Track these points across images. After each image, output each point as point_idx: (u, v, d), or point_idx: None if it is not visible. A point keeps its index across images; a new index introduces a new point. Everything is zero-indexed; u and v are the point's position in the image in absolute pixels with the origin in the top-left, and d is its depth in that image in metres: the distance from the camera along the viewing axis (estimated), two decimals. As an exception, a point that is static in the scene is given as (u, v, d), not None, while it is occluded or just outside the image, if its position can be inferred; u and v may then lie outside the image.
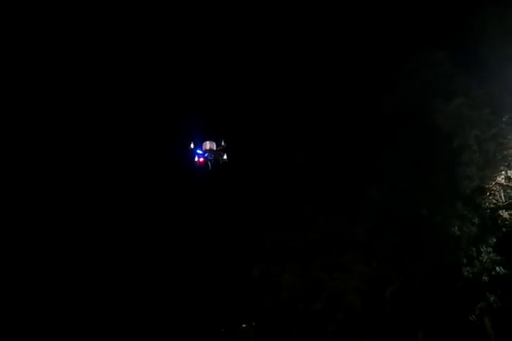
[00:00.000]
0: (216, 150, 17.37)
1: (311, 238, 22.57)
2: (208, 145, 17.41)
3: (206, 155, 17.34)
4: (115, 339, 30.31)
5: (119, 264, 30.69)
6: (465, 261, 17.99)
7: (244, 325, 29.62)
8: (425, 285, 19.59)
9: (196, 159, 17.26)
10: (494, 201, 17.60)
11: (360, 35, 23.49)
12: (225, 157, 17.52)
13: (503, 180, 17.42)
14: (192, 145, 17.32)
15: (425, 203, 18.83)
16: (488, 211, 17.82)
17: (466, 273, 17.86)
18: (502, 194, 17.54)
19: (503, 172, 17.36)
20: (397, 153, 20.12)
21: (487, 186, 17.55)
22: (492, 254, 17.60)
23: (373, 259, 20.89)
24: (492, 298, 17.58)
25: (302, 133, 24.12)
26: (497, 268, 17.43)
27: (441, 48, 18.91)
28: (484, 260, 17.61)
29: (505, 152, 17.07)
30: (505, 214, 17.38)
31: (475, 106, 17.30)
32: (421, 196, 18.77)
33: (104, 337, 30.39)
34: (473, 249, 17.94)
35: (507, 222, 17.36)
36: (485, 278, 17.58)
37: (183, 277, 30.31)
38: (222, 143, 17.51)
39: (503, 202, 17.52)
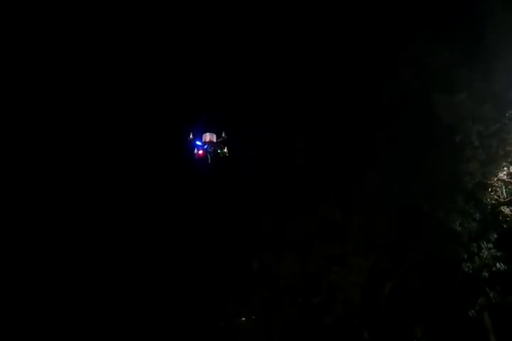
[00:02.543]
0: (216, 142, 16.79)
1: (308, 229, 22.44)
2: (207, 137, 16.77)
3: (206, 147, 16.74)
4: (112, 332, 30.43)
5: (116, 256, 30.66)
6: (465, 256, 17.88)
7: (243, 319, 29.61)
8: (424, 280, 19.55)
9: (195, 151, 16.73)
10: (496, 197, 17.37)
11: (361, 23, 22.86)
12: (225, 150, 16.96)
13: (505, 176, 17.18)
14: (191, 136, 16.72)
15: (426, 197, 18.65)
16: (490, 207, 17.62)
17: (466, 269, 17.78)
18: (504, 190, 17.33)
19: (505, 168, 17.09)
20: (396, 144, 19.85)
21: (489, 182, 17.29)
22: (493, 250, 17.53)
23: (372, 253, 20.77)
24: (492, 294, 17.59)
25: (300, 119, 23.73)
26: (497, 264, 17.38)
27: (444, 38, 18.45)
28: (485, 256, 17.52)
29: (508, 148, 16.75)
30: (506, 210, 17.17)
31: (478, 100, 16.92)
32: (421, 190, 18.57)
33: (102, 332, 30.46)
34: (474, 245, 17.85)
35: (508, 218, 17.17)
36: (485, 273, 17.53)
37: (181, 269, 30.30)
38: (223, 135, 16.88)
39: (504, 198, 17.30)
